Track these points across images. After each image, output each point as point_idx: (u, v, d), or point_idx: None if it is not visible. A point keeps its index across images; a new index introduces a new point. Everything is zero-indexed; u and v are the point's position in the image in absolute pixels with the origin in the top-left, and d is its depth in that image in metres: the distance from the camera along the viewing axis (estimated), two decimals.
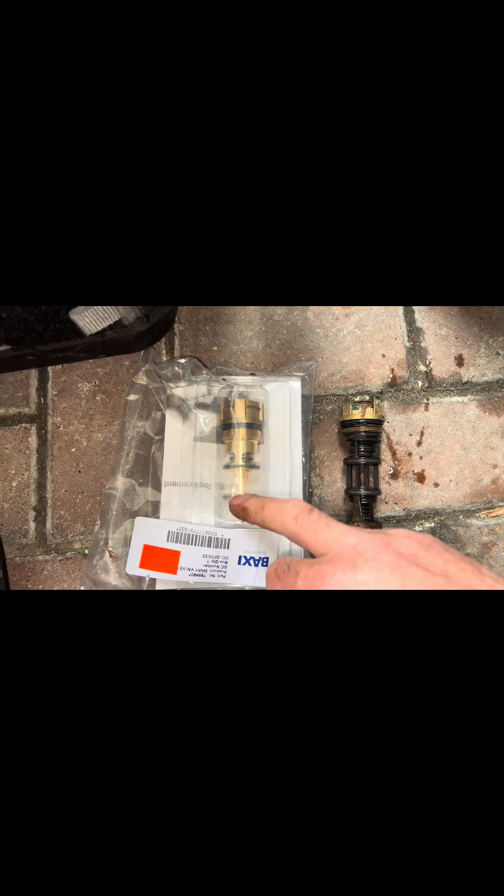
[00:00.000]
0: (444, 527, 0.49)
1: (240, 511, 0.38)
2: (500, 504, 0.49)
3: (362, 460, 0.46)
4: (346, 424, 0.47)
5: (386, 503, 0.49)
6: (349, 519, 0.47)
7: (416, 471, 0.49)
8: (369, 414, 0.46)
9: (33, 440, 0.49)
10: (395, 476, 0.49)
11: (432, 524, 0.49)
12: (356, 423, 0.46)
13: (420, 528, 0.49)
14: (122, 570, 0.45)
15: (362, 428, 0.46)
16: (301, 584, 0.28)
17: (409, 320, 0.51)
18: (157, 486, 0.47)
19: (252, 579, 0.44)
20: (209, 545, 0.44)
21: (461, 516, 0.49)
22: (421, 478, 0.49)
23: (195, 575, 0.43)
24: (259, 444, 0.47)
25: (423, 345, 0.51)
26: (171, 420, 0.47)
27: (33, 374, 0.50)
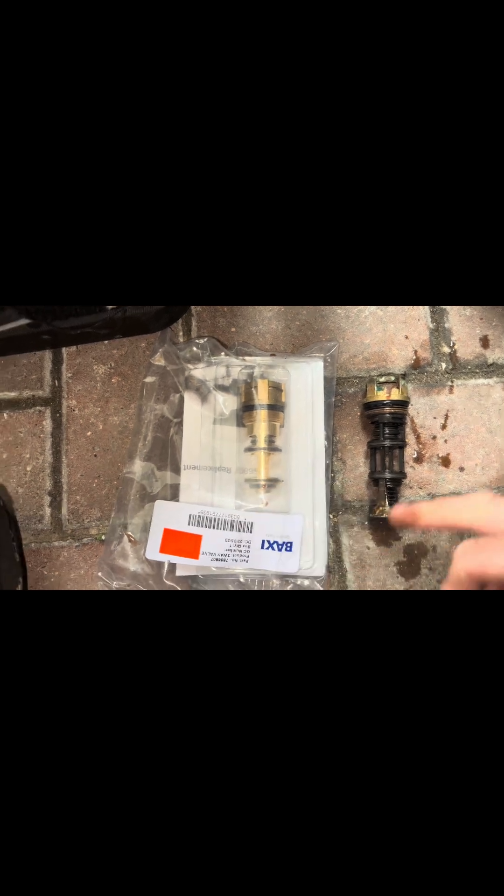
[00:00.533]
0: None
1: (408, 517, 0.33)
2: None
3: (387, 443, 0.45)
4: (370, 406, 0.46)
5: (410, 488, 0.48)
6: (372, 504, 0.46)
7: (440, 455, 0.48)
8: (395, 395, 0.45)
9: (48, 424, 0.48)
10: (419, 460, 0.48)
11: None
12: (381, 404, 0.45)
13: None
14: (141, 556, 0.44)
15: (387, 409, 0.45)
16: None
17: None
18: (176, 470, 0.45)
19: (275, 564, 0.42)
20: (232, 529, 0.42)
21: None
22: (446, 462, 0.48)
23: (217, 560, 0.42)
24: (281, 426, 0.46)
25: (446, 325, 0.50)
26: (190, 402, 0.46)
27: (47, 356, 0.49)
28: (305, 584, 0.44)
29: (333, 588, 0.46)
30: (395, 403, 0.45)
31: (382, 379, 0.45)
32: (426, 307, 0.50)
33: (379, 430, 0.45)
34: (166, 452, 0.46)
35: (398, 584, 0.46)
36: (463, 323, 0.50)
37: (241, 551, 0.42)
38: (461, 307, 0.50)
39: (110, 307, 0.36)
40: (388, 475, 0.45)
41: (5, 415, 0.48)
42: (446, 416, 0.49)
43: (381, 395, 0.45)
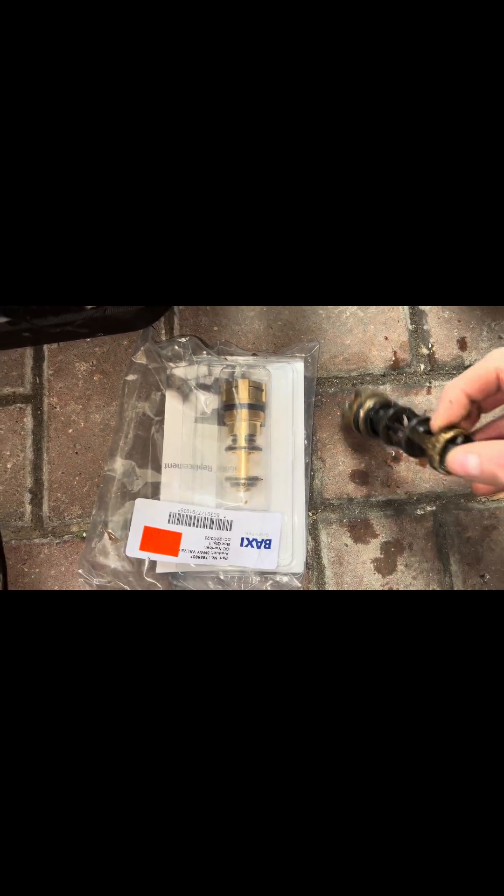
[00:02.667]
0: (446, 510, 0.48)
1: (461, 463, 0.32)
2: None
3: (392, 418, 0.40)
4: (367, 421, 0.43)
5: (387, 487, 0.48)
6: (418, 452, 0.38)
7: None
8: (368, 404, 0.43)
9: (28, 421, 0.48)
10: (396, 460, 0.49)
11: (434, 507, 0.48)
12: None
13: (421, 512, 0.48)
14: (121, 553, 0.44)
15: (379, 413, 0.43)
16: None
17: None
18: (157, 468, 0.46)
19: (254, 562, 0.43)
20: (211, 527, 0.43)
21: (462, 500, 0.49)
22: (423, 461, 0.49)
23: (197, 557, 0.43)
24: (261, 425, 0.46)
25: (425, 327, 0.51)
26: (172, 401, 0.46)
27: (28, 353, 0.49)
28: (284, 580, 0.44)
29: (312, 584, 0.46)
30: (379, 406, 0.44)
31: (355, 400, 0.44)
32: (405, 308, 0.51)
33: (383, 427, 0.41)
34: (147, 450, 0.46)
35: (375, 580, 0.47)
36: (441, 325, 0.51)
37: (220, 549, 0.43)
38: (440, 309, 0.51)
39: (90, 306, 0.36)
40: (414, 422, 0.37)
41: None
42: None
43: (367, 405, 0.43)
